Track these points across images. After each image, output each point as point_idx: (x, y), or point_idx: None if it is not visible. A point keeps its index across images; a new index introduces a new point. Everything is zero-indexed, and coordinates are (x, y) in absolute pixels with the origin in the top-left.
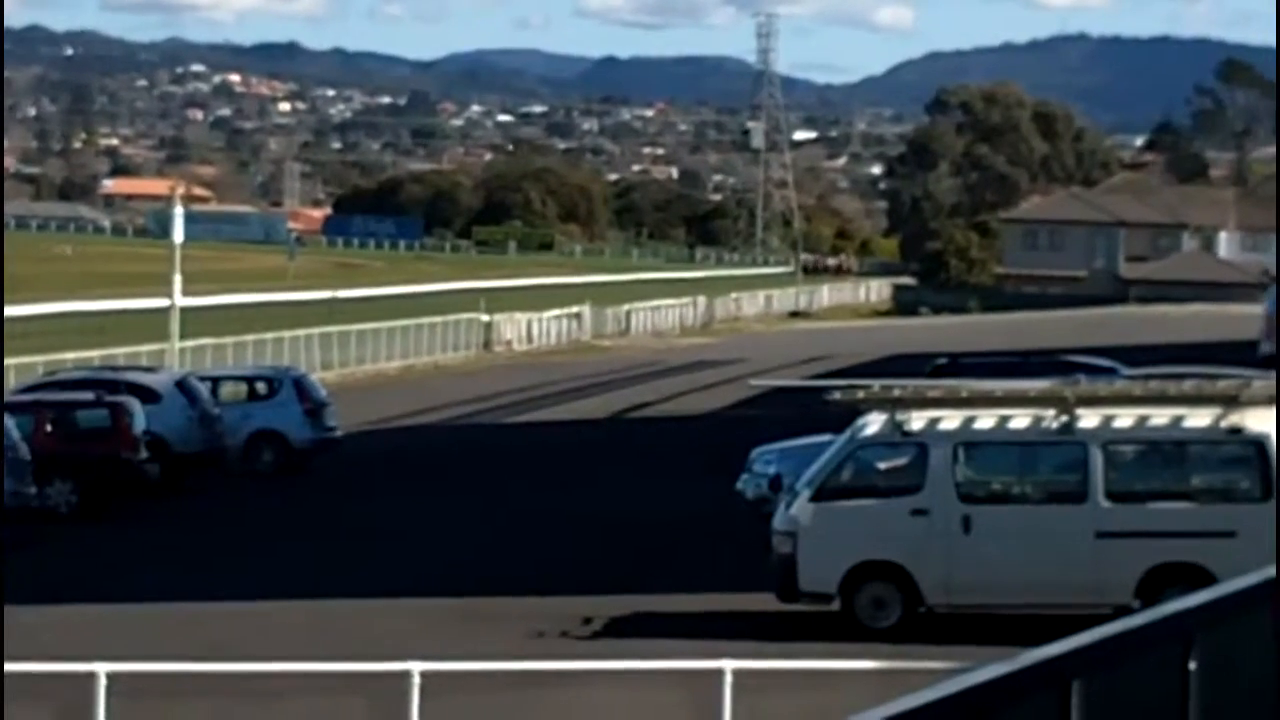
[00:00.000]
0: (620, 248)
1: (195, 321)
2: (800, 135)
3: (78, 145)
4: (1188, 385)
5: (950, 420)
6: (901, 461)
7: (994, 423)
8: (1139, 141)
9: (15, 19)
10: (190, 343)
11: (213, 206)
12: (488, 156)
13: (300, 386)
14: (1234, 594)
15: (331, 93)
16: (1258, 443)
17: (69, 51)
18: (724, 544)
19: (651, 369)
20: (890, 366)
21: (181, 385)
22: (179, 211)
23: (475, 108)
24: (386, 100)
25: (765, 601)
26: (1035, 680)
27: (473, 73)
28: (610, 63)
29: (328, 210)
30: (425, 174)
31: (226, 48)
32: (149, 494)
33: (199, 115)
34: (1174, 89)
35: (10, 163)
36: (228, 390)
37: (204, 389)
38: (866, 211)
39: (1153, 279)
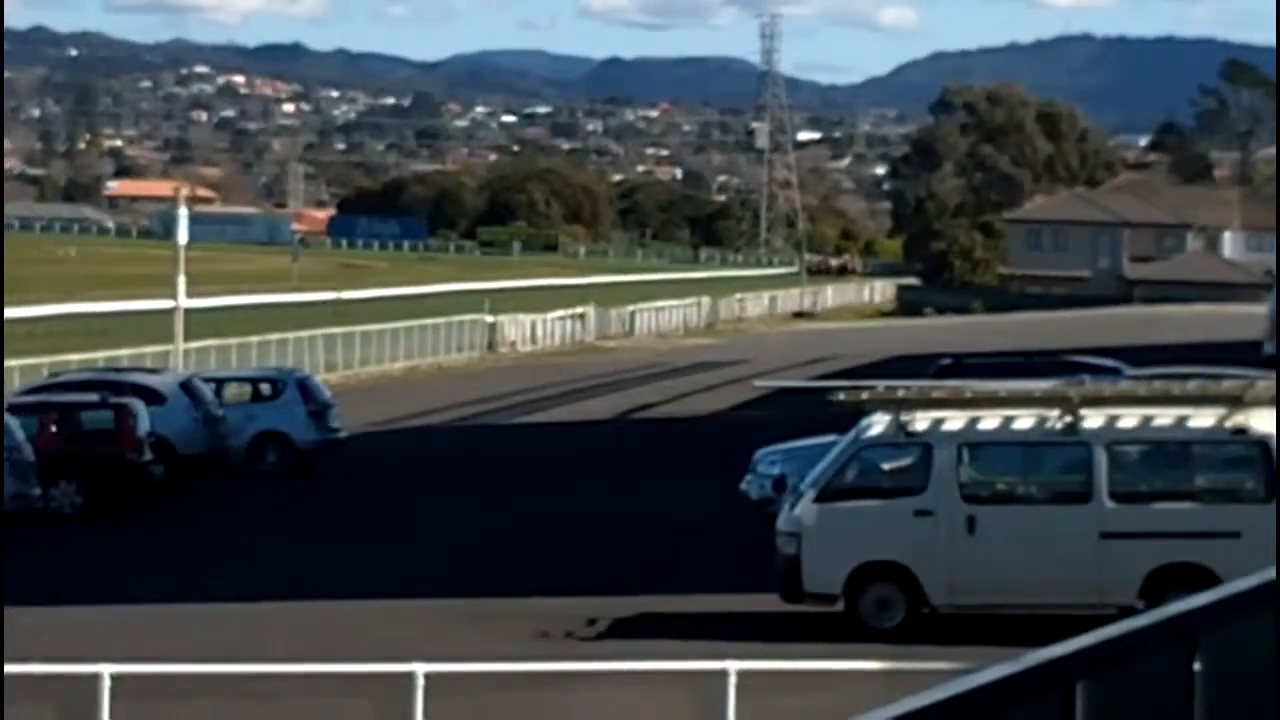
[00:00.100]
0: (624, 249)
1: (199, 323)
2: (804, 136)
3: (82, 146)
4: (1192, 386)
5: (954, 421)
6: (906, 462)
7: (998, 423)
8: (1143, 142)
9: (19, 20)
10: (195, 344)
11: (217, 208)
12: (492, 157)
13: (304, 388)
14: (1238, 595)
15: (336, 94)
16: (1262, 443)
17: (73, 53)
18: (728, 545)
19: (656, 370)
20: (894, 367)
21: (186, 387)
22: (183, 213)
23: (479, 108)
24: (391, 101)
25: (769, 602)
26: (1039, 681)
27: (477, 73)
28: (614, 63)
29: (332, 211)
30: (429, 175)
31: (231, 49)
32: (153, 495)
33: (203, 116)
34: (1178, 89)
35: (14, 164)
36: (232, 391)
37: (208, 390)
38: (871, 212)
39: (1157, 279)
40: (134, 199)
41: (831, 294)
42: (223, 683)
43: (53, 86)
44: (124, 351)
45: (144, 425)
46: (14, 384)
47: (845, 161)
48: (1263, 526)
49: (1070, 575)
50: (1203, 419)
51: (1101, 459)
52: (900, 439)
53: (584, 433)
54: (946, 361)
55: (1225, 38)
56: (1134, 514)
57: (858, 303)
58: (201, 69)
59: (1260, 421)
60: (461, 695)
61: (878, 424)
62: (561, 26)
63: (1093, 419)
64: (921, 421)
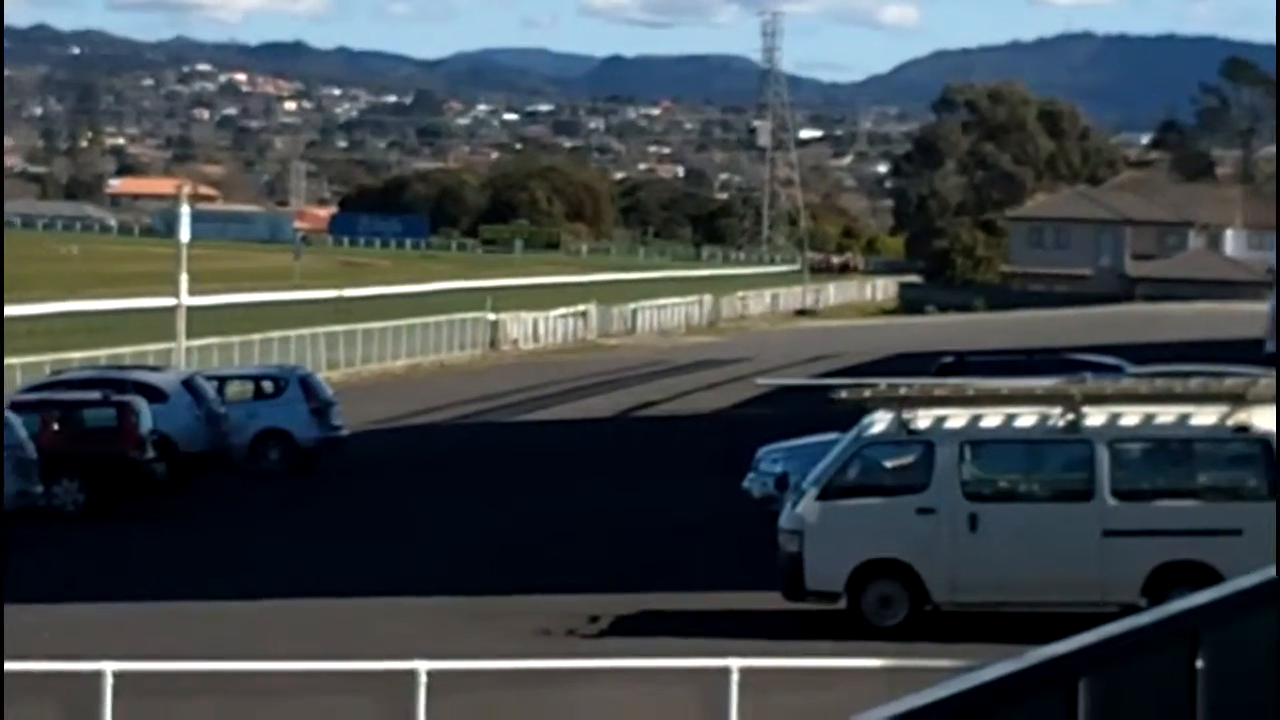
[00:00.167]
0: (626, 246)
1: (201, 321)
2: (806, 134)
3: (84, 144)
4: (1194, 383)
5: (956, 418)
6: (908, 460)
7: (1000, 421)
8: (1145, 139)
9: (21, 18)
10: (196, 342)
11: (219, 206)
12: (494, 155)
13: (306, 386)
14: (1240, 592)
15: (337, 92)
16: (1264, 441)
17: (75, 51)
18: (730, 543)
19: (658, 368)
20: (896, 365)
21: (188, 384)
22: (185, 211)
23: (481, 106)
24: (392, 99)
25: (772, 600)
26: (1041, 679)
27: (479, 71)
28: (616, 61)
29: (334, 209)
30: (431, 173)
31: (232, 47)
32: (155, 493)
33: (205, 114)
34: (1179, 87)
35: (16, 162)
36: (234, 389)
37: (210, 388)
38: (872, 210)
39: (1159, 277)
40: (136, 197)
41: (833, 292)
42: (224, 681)
43: (55, 84)
44: (126, 349)
45: (146, 423)
46: (16, 382)
47: (847, 159)
48: (1264, 524)
49: (1072, 573)
50: (1205, 417)
51: (1103, 457)
52: (902, 437)
53: (586, 431)
54: (948, 359)
55: (1226, 35)
56: (1136, 512)
57: (860, 301)
58: (203, 67)
59: (1262, 419)
60: (463, 693)
61: (880, 422)
62: (563, 24)
63: (1095, 417)
64: (924, 419)
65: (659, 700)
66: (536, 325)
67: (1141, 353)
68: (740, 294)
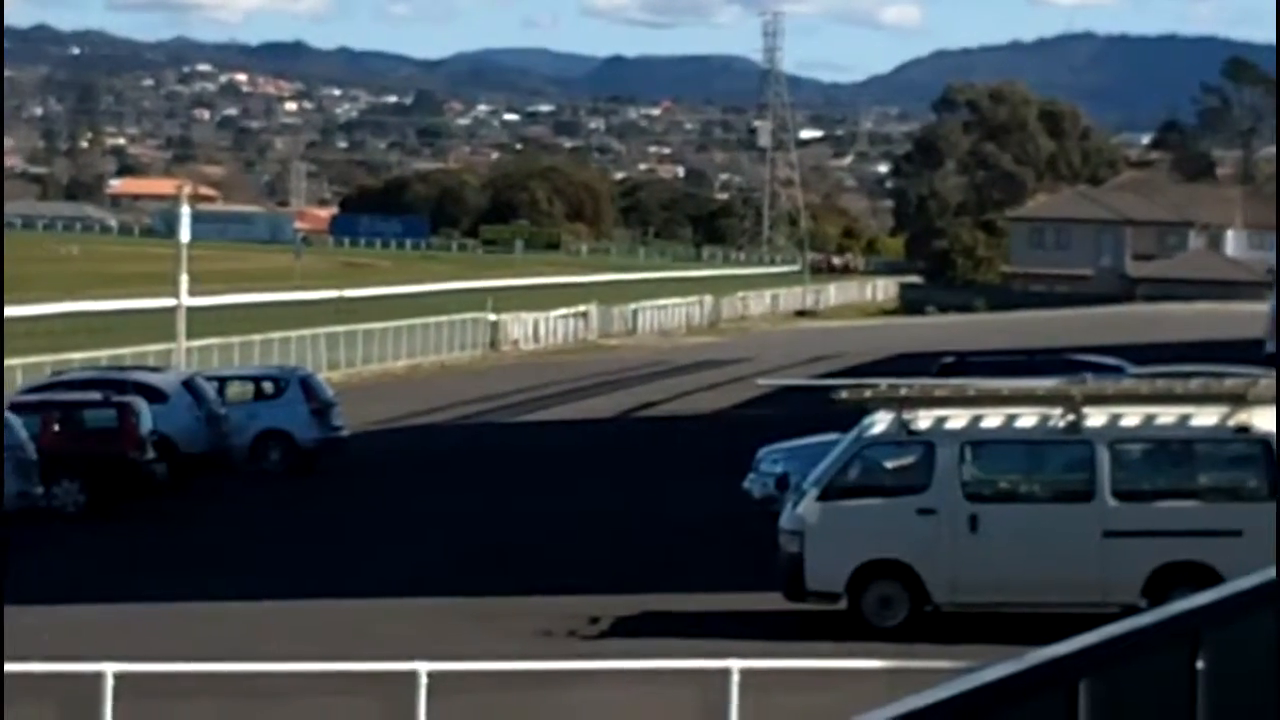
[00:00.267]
0: (627, 247)
1: (202, 321)
2: (807, 134)
3: (84, 145)
4: (1194, 384)
5: (957, 419)
6: (908, 460)
7: (1001, 421)
8: (1145, 140)
9: (21, 18)
10: (197, 342)
11: (219, 206)
12: (494, 156)
13: (307, 386)
14: (1241, 593)
15: (338, 92)
16: (1264, 441)
17: (75, 51)
18: (731, 543)
19: (658, 368)
20: (897, 365)
21: (188, 385)
22: (185, 211)
23: (482, 107)
24: (393, 99)
25: (772, 600)
26: (1042, 680)
27: (479, 72)
28: (617, 62)
29: (334, 210)
30: (431, 173)
31: (233, 47)
32: (156, 494)
33: (205, 115)
34: (1180, 87)
35: (17, 162)
36: (234, 390)
37: (210, 389)
38: (873, 210)
39: (1159, 277)
40: (136, 197)
41: (834, 292)
42: (225, 682)
43: (55, 85)
44: (126, 350)
45: (146, 424)
46: (16, 383)
47: (848, 160)
48: (1265, 525)
49: (1073, 574)
50: (1205, 417)
51: (1104, 457)
52: (903, 437)
53: (586, 431)
54: (949, 360)
55: (1227, 36)
56: (1137, 512)
57: (860, 301)
58: (204, 67)
59: (1262, 420)
60: (464, 694)
61: (880, 422)
62: (564, 25)
63: (1095, 417)
64: (924, 420)
65: (660, 701)
66: (537, 326)
67: (1142, 353)
68: (740, 294)
